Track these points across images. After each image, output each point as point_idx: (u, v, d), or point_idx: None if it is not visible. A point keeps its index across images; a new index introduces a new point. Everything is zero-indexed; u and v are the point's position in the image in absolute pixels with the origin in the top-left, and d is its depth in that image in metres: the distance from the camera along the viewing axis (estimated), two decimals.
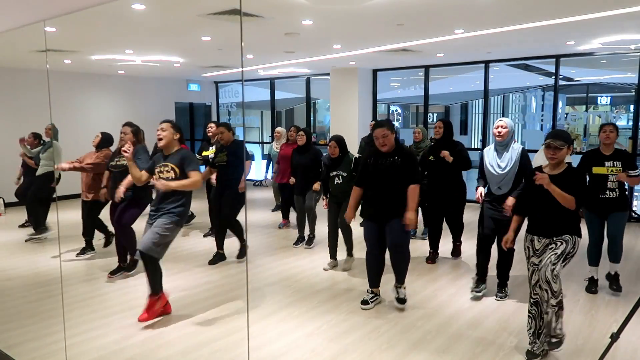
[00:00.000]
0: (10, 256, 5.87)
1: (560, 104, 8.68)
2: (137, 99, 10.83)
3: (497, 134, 4.20)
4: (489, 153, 4.33)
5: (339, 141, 5.26)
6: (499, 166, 4.21)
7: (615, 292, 4.47)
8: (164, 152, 4.01)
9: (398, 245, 4.10)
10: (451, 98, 13.58)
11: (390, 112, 15.76)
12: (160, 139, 3.94)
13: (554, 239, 3.27)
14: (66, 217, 8.00)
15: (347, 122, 9.69)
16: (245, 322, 3.90)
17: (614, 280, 4.55)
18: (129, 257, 5.11)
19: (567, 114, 9.44)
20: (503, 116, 8.19)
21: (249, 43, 6.65)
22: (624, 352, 3.34)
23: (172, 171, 3.89)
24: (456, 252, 5.67)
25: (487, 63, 8.68)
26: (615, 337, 2.69)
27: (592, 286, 4.54)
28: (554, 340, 3.26)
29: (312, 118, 11.77)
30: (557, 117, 8.17)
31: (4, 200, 8.49)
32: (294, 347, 3.47)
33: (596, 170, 4.39)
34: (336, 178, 5.18)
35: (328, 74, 10.30)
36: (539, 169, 3.45)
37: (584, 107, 12.67)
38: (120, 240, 5.03)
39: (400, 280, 4.22)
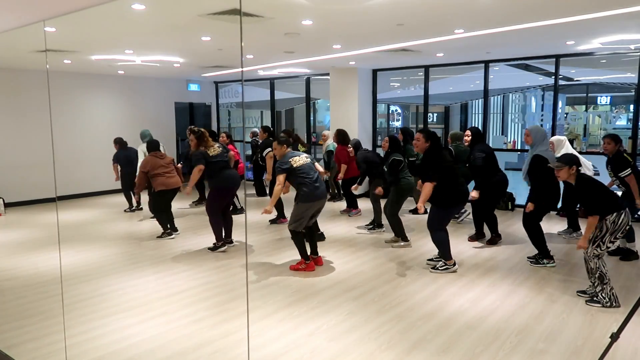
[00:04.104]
0: (10, 256, 5.88)
1: (560, 104, 8.66)
2: (137, 99, 10.83)
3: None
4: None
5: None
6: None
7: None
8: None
9: None
10: (451, 98, 13.54)
11: (390, 112, 15.75)
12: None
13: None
14: (66, 217, 8.03)
15: (347, 122, 9.67)
16: (245, 322, 3.90)
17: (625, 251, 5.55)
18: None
19: (567, 113, 9.44)
20: (503, 116, 8.23)
21: (249, 43, 6.64)
22: (624, 352, 3.34)
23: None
24: (492, 241, 6.16)
25: (487, 63, 8.67)
26: (615, 337, 2.69)
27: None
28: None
29: (312, 118, 11.76)
30: (557, 117, 8.16)
31: (3, 201, 8.50)
32: (294, 347, 3.47)
33: None
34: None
35: (328, 74, 10.29)
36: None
37: (583, 107, 12.67)
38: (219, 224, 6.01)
39: None
